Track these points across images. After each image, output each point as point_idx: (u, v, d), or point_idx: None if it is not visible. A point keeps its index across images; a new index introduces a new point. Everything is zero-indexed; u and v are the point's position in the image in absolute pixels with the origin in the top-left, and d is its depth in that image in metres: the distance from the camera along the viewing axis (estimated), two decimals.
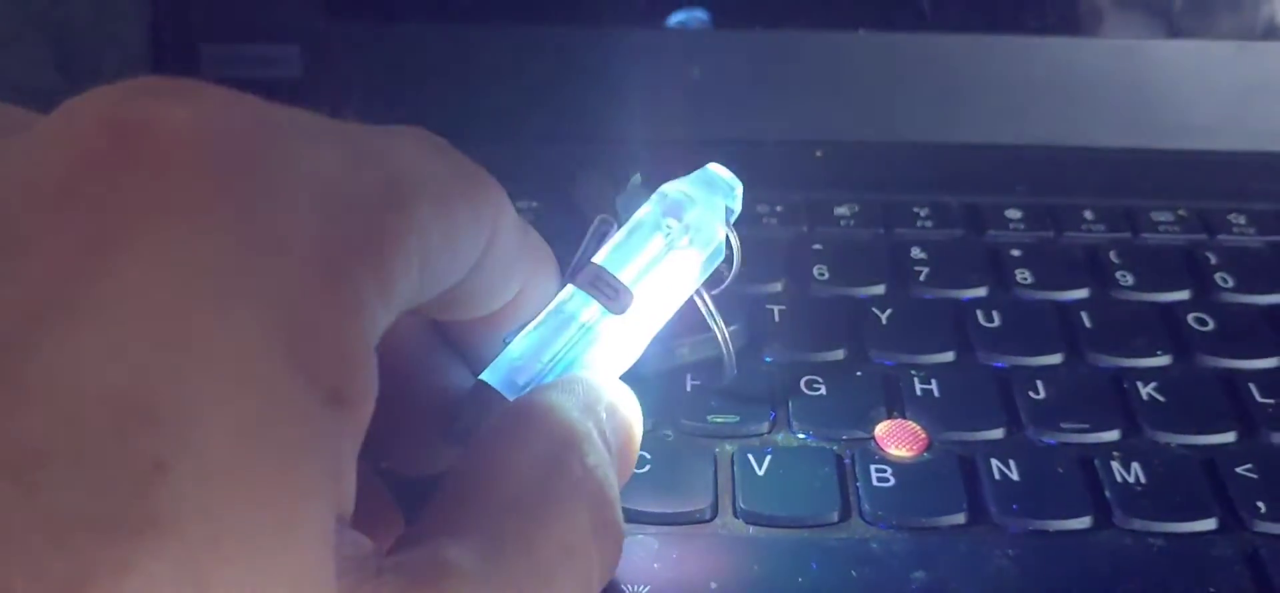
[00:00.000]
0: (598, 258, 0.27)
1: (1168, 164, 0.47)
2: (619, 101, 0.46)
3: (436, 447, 0.25)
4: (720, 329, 0.31)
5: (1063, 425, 0.34)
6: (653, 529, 0.30)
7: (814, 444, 0.33)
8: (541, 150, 0.43)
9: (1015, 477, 0.32)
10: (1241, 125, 0.47)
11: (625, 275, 0.27)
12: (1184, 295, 0.40)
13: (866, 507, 0.31)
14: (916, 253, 0.41)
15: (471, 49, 0.47)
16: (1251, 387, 0.36)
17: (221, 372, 0.17)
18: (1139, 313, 0.39)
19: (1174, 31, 0.47)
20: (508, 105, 0.47)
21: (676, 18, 0.47)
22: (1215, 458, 0.33)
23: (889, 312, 0.38)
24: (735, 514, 0.31)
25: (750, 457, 0.32)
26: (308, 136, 0.20)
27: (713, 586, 0.29)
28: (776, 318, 0.38)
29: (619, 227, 0.28)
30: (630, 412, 0.25)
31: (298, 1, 0.47)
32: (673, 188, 0.29)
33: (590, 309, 0.26)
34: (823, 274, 0.40)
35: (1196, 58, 0.47)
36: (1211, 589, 0.29)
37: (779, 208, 0.43)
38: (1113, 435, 0.34)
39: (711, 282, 0.30)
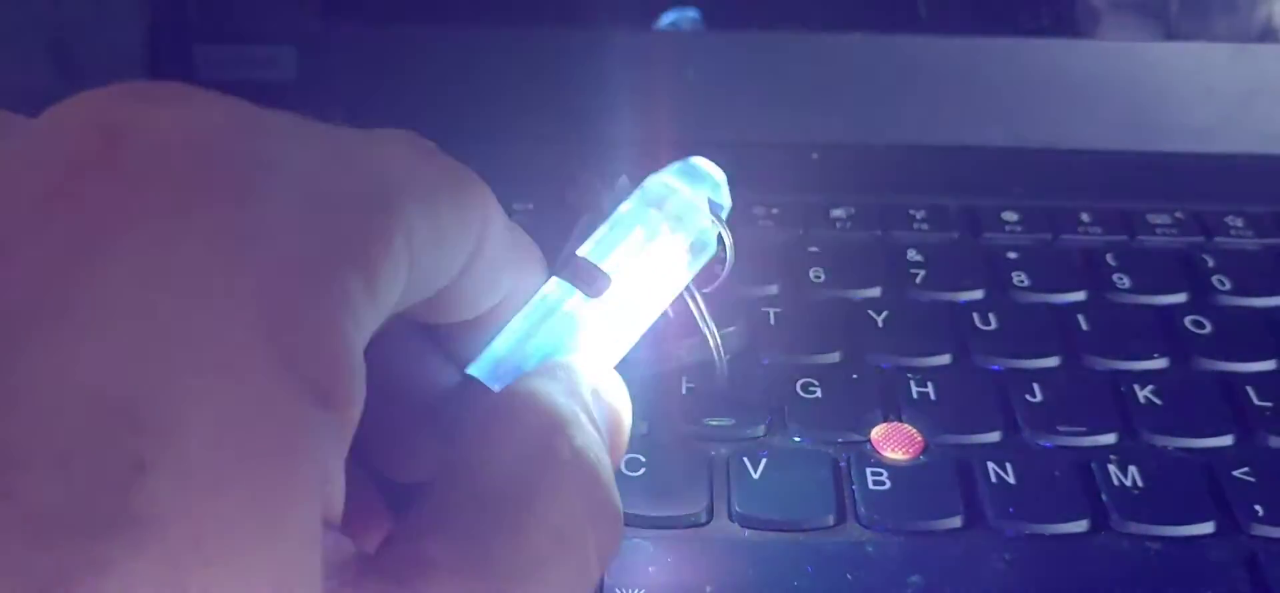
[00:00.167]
0: (581, 250, 0.27)
1: (1165, 167, 0.46)
2: (615, 103, 0.46)
3: (428, 451, 0.25)
4: (710, 331, 0.31)
5: (1060, 428, 0.34)
6: (648, 533, 0.30)
7: (810, 447, 0.33)
8: (536, 152, 0.42)
9: (1012, 480, 0.32)
10: (1239, 128, 0.47)
11: (606, 264, 0.27)
12: (1181, 298, 0.40)
13: (862, 510, 0.31)
14: (913, 255, 0.41)
15: (466, 51, 0.47)
16: (1249, 390, 0.35)
17: (206, 372, 0.17)
18: (1136, 316, 0.39)
19: (1171, 34, 0.47)
20: (502, 107, 0.47)
21: (669, 18, 0.47)
22: (1213, 461, 0.33)
23: (885, 314, 0.38)
24: (730, 518, 0.31)
25: (746, 460, 0.32)
26: (295, 140, 0.20)
27: (708, 589, 0.29)
28: (772, 320, 0.38)
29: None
30: (617, 396, 0.25)
31: (293, 3, 0.47)
32: (654, 180, 0.29)
33: (573, 298, 0.26)
34: (819, 277, 0.40)
35: (1194, 60, 0.47)
36: None
37: (775, 210, 0.43)
38: (1110, 439, 0.34)
39: (705, 281, 0.30)
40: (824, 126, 0.47)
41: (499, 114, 0.47)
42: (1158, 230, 0.43)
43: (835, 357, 0.37)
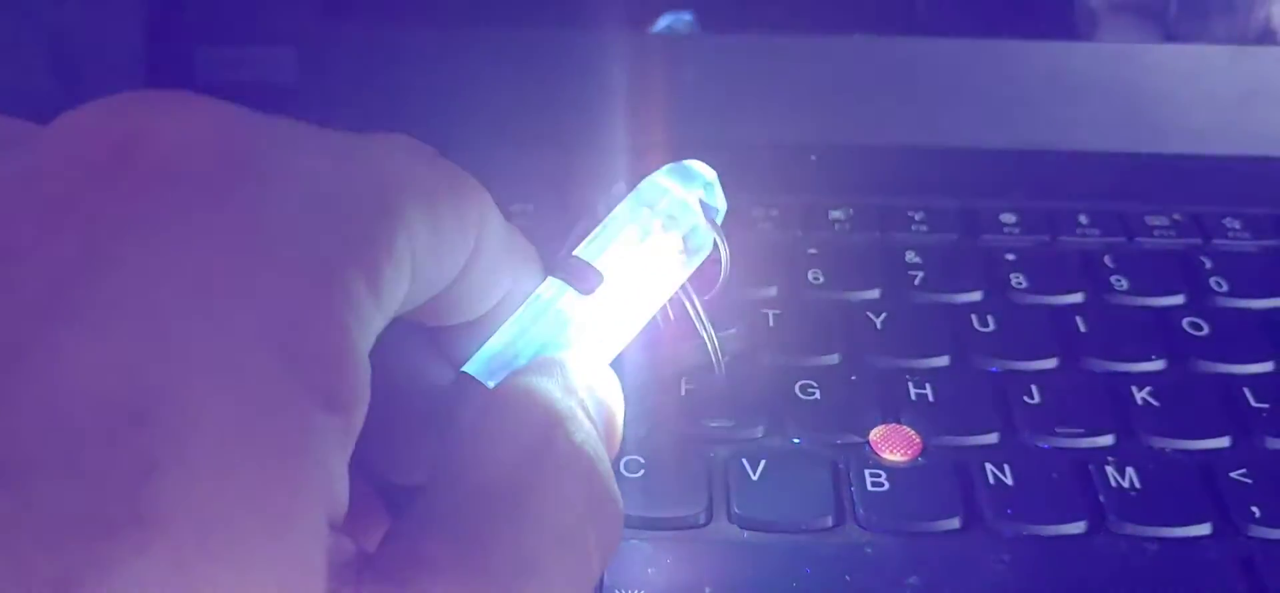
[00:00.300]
0: (575, 250, 0.28)
1: (1163, 169, 0.47)
2: (613, 106, 0.46)
3: (427, 454, 0.25)
4: (709, 333, 0.31)
5: (1058, 430, 0.34)
6: (647, 534, 0.30)
7: (809, 449, 0.33)
8: (536, 155, 0.43)
9: (1010, 482, 0.32)
10: (1236, 130, 0.47)
11: (599, 263, 0.27)
12: (1179, 300, 0.40)
13: (861, 512, 0.31)
14: (911, 257, 0.41)
15: (466, 54, 0.47)
16: (1246, 391, 0.36)
17: (214, 374, 0.17)
18: (1134, 317, 0.39)
19: (1169, 36, 0.47)
20: (502, 110, 0.47)
21: (665, 22, 0.47)
22: (1210, 463, 0.33)
23: (884, 316, 0.38)
24: (729, 519, 0.31)
25: (745, 461, 0.32)
26: (297, 145, 0.20)
27: (707, 591, 0.29)
28: (771, 322, 0.38)
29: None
30: (611, 392, 0.25)
31: (293, 6, 0.47)
32: (646, 182, 0.29)
33: (567, 296, 0.26)
34: (818, 278, 0.40)
35: (1191, 62, 0.47)
36: None
37: (774, 212, 0.43)
38: (1107, 440, 0.34)
39: (703, 286, 0.30)
40: (822, 128, 0.47)
41: (498, 117, 0.47)
42: (1156, 232, 0.43)
43: (834, 358, 0.37)
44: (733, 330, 0.36)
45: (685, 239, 0.29)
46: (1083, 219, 0.43)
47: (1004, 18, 0.47)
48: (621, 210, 0.29)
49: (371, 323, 0.19)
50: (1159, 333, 0.38)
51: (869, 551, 0.30)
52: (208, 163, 0.18)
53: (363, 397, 0.19)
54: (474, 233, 0.22)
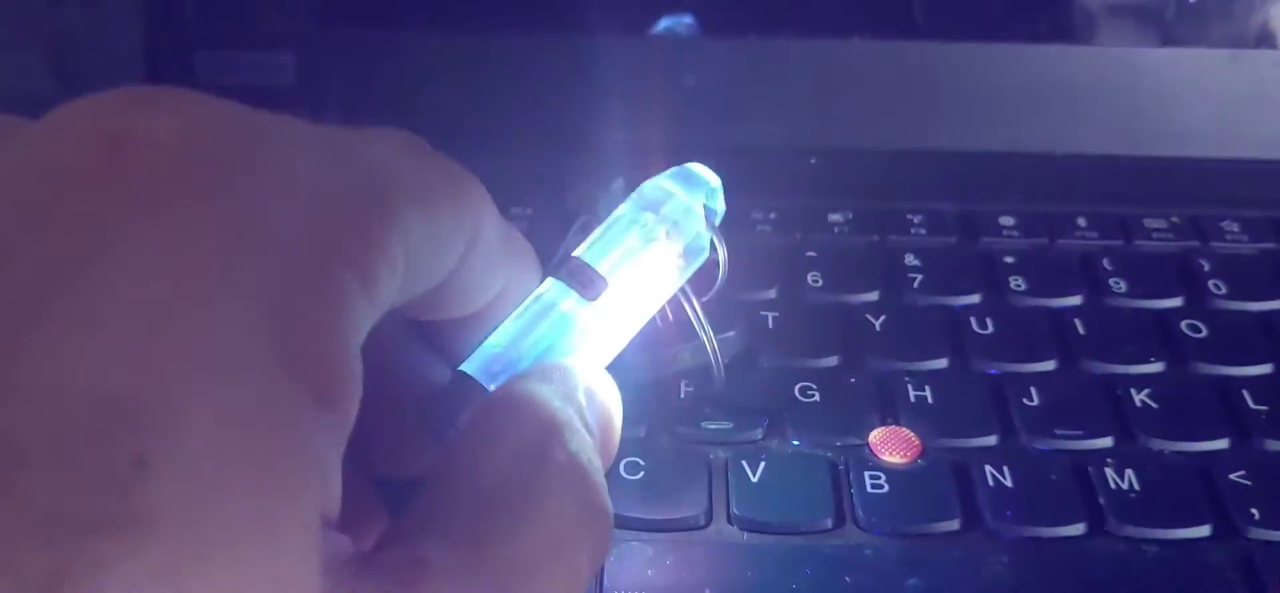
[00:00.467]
0: (576, 252, 0.28)
1: (1161, 171, 0.47)
2: (612, 110, 0.46)
3: (421, 447, 0.25)
4: (708, 335, 0.31)
5: (1056, 432, 0.34)
6: (646, 536, 0.30)
7: (808, 451, 0.33)
8: (534, 158, 0.43)
9: (1009, 484, 0.32)
10: (1234, 133, 0.47)
11: (602, 267, 0.27)
12: (1177, 302, 0.40)
13: (861, 514, 0.31)
14: (910, 260, 0.41)
15: (464, 57, 0.47)
16: (1245, 393, 0.36)
17: (206, 371, 0.17)
18: (1132, 319, 0.39)
19: (1167, 40, 0.47)
20: (500, 113, 0.47)
21: (664, 25, 0.47)
22: (1209, 465, 0.33)
23: (883, 318, 0.38)
24: (729, 521, 0.31)
25: (744, 463, 0.32)
26: (290, 140, 0.20)
27: (707, 592, 0.29)
28: (770, 325, 0.38)
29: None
30: (609, 397, 0.25)
31: (291, 9, 0.47)
32: (650, 184, 0.29)
33: (568, 299, 0.26)
34: (817, 281, 0.40)
35: (1190, 66, 0.47)
36: None
37: (773, 215, 0.43)
38: (1106, 442, 0.34)
39: (701, 288, 0.30)
40: (821, 132, 0.47)
41: (497, 120, 0.47)
42: (1154, 235, 0.43)
43: (833, 360, 0.37)
44: (732, 333, 0.36)
45: (686, 245, 0.29)
46: (1081, 222, 0.44)
47: (1002, 22, 0.47)
48: (624, 212, 0.28)
49: (364, 318, 0.19)
50: (1158, 335, 0.38)
51: (868, 552, 0.30)
52: (199, 159, 0.18)
53: (355, 392, 0.19)
54: (469, 227, 0.22)
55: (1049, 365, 0.37)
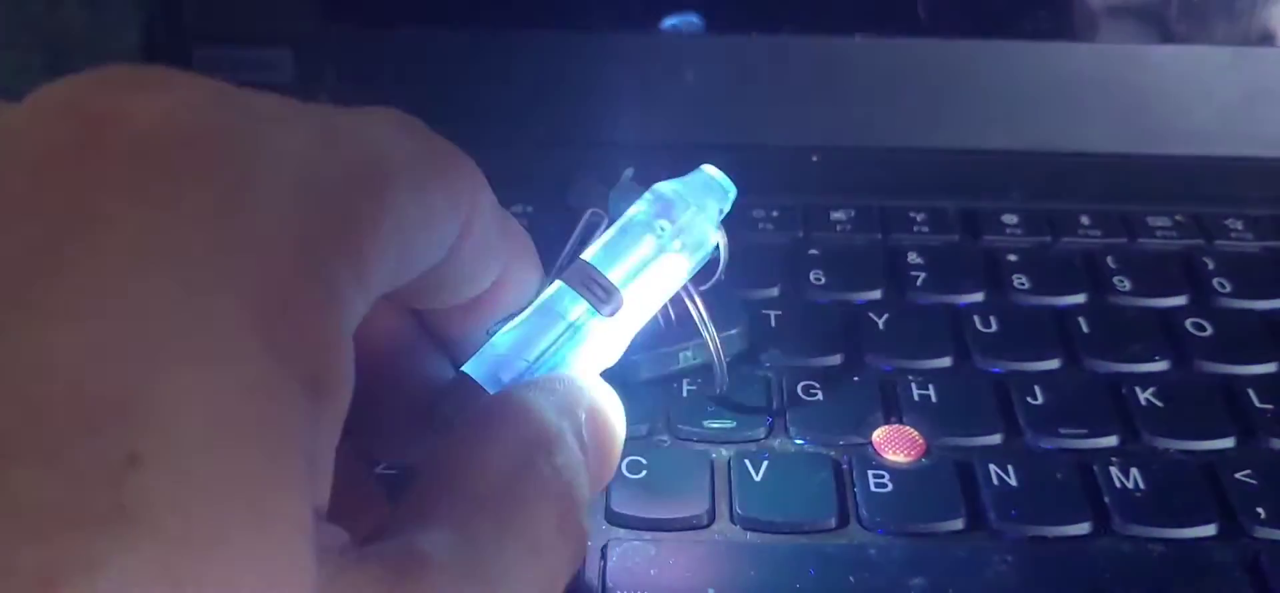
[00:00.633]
0: (588, 254, 0.27)
1: (1164, 170, 0.46)
2: (614, 106, 0.46)
3: (414, 434, 0.25)
4: (711, 334, 0.31)
5: (1061, 431, 0.34)
6: (649, 535, 0.30)
7: (811, 450, 0.33)
8: (536, 155, 0.42)
9: (1013, 483, 0.32)
10: (1238, 131, 0.47)
11: (615, 274, 0.27)
12: (1181, 301, 0.40)
13: (864, 513, 0.31)
14: (913, 258, 0.41)
15: (465, 53, 0.47)
16: (1250, 392, 0.35)
17: (195, 362, 0.16)
18: (1136, 318, 0.39)
19: (1171, 37, 0.47)
20: (502, 110, 0.47)
21: (670, 22, 0.47)
22: (1214, 464, 0.33)
23: (886, 317, 0.38)
24: (732, 520, 0.31)
25: (747, 462, 0.32)
26: (280, 120, 0.19)
27: (710, 591, 0.29)
28: (773, 323, 0.38)
29: (610, 222, 0.28)
30: (613, 413, 0.25)
31: (291, 5, 0.47)
32: (667, 188, 0.29)
33: (578, 308, 0.26)
34: (819, 279, 0.40)
35: (1193, 64, 0.47)
36: None
37: (775, 213, 0.43)
38: (1111, 441, 0.34)
39: (701, 278, 0.30)
40: (824, 129, 0.47)
41: (498, 117, 0.47)
42: (1158, 233, 0.43)
43: (836, 359, 0.37)
44: (735, 331, 0.35)
45: (695, 252, 0.29)
46: (1085, 220, 0.43)
47: (1006, 19, 0.47)
48: (639, 216, 0.28)
49: (356, 304, 0.19)
50: (1162, 334, 0.38)
51: (872, 552, 0.30)
52: (184, 141, 0.18)
53: (348, 380, 0.19)
54: (464, 209, 0.22)
55: (1053, 364, 0.37)
